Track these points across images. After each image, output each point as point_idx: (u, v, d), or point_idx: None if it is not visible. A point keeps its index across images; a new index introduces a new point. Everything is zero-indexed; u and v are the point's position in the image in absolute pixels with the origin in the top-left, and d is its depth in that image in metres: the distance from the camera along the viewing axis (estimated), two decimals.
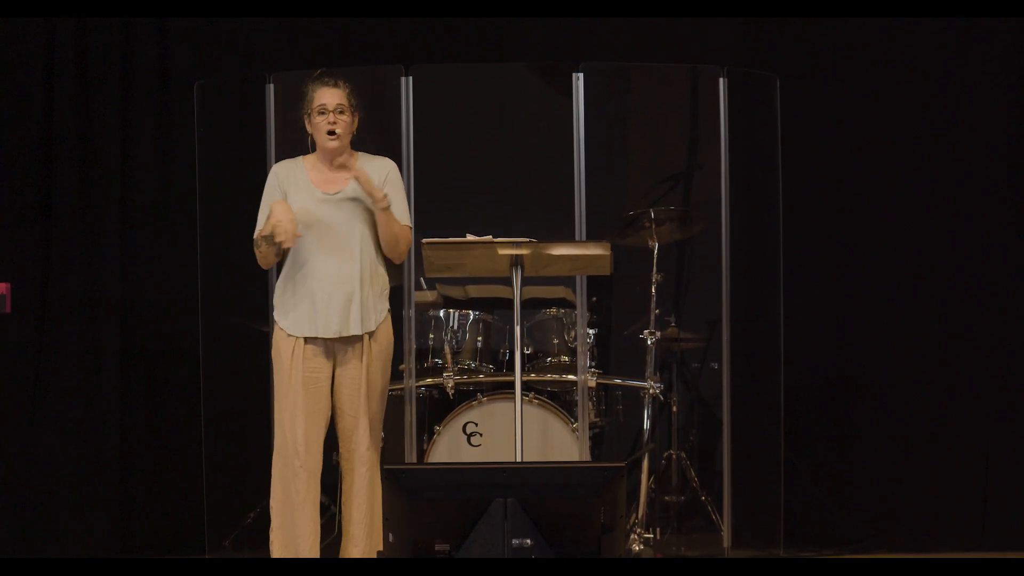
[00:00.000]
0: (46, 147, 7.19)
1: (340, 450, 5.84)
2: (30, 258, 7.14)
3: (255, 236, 5.76)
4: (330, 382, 5.77)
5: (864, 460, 7.27)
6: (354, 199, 5.76)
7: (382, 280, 5.84)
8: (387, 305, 5.85)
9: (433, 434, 6.70)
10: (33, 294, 7.10)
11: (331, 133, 5.74)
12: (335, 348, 5.75)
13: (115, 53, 7.23)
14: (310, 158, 5.86)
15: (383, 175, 5.83)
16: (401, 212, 5.83)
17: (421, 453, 6.69)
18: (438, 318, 6.92)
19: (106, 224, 7.21)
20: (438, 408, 6.92)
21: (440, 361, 6.89)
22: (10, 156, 7.17)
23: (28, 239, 7.16)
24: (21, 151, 7.17)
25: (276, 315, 5.81)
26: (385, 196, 5.72)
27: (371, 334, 5.77)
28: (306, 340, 5.73)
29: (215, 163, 6.89)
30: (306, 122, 5.82)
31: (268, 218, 5.68)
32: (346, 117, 5.76)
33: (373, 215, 5.76)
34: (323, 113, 5.74)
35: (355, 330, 5.73)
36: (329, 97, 5.75)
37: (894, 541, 7.10)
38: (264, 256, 5.77)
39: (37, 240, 7.17)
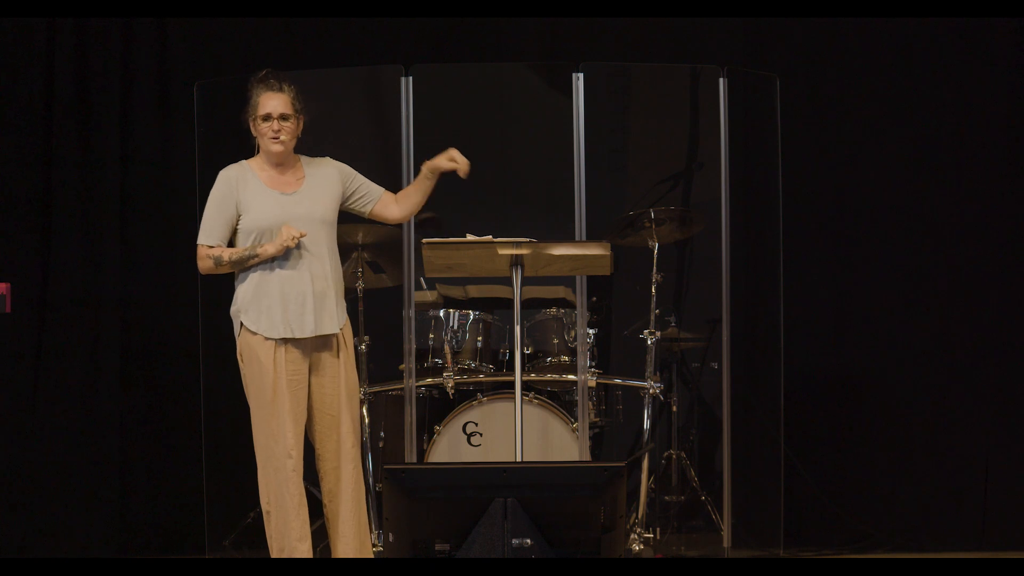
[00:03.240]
0: (46, 147, 7.19)
1: (318, 451, 5.78)
2: (30, 258, 7.15)
3: (234, 255, 5.70)
4: (308, 383, 5.76)
5: (864, 460, 7.27)
6: (311, 198, 5.75)
7: (342, 279, 5.84)
8: (345, 303, 5.86)
9: (433, 434, 6.70)
10: (33, 294, 7.10)
11: (275, 139, 5.74)
12: (311, 346, 5.75)
13: (115, 53, 7.24)
14: (255, 161, 5.83)
15: (335, 172, 5.83)
16: (373, 186, 5.87)
17: (421, 453, 6.69)
18: (438, 318, 6.92)
19: (106, 224, 7.21)
20: (438, 408, 6.92)
21: (440, 361, 6.89)
22: (10, 156, 7.17)
23: (28, 239, 7.16)
24: (21, 151, 7.18)
25: (245, 319, 5.75)
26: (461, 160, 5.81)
27: (342, 331, 5.78)
28: (284, 342, 5.72)
29: (215, 163, 6.88)
30: (251, 125, 5.81)
31: (263, 243, 5.69)
32: (290, 124, 5.75)
33: (332, 213, 5.77)
34: (268, 120, 5.74)
35: (330, 328, 5.73)
36: (274, 105, 5.73)
37: (894, 541, 7.11)
38: (221, 270, 5.78)
39: (37, 240, 7.17)
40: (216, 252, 5.73)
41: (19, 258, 7.10)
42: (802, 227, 7.21)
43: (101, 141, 7.22)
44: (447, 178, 7.05)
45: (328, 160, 5.88)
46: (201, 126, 6.87)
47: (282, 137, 5.73)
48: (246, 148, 7.01)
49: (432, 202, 6.43)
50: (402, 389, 6.63)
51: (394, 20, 7.20)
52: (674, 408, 7.09)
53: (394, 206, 5.90)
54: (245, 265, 5.71)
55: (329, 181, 5.81)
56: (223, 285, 6.84)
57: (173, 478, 7.17)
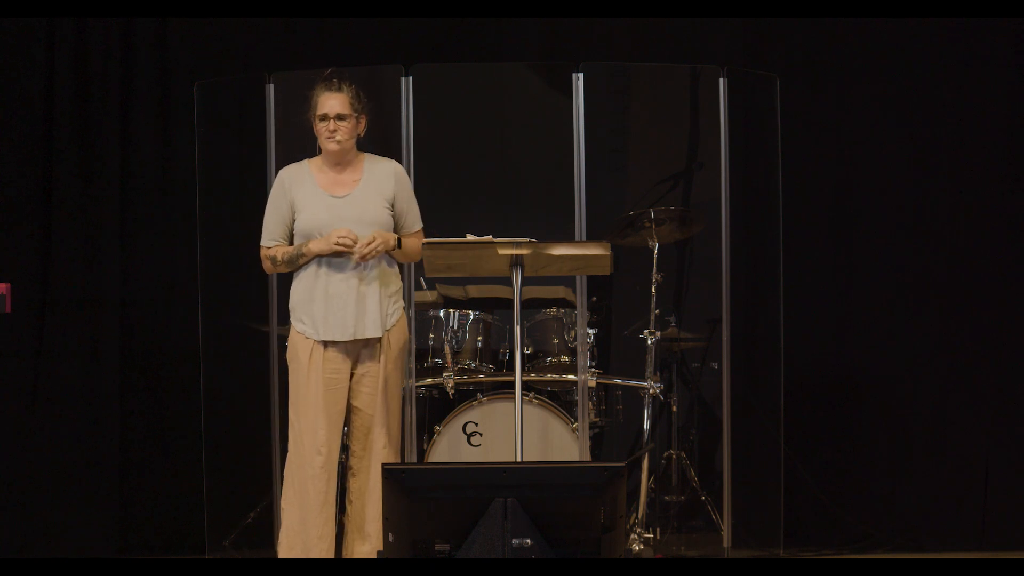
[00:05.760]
0: (46, 147, 7.19)
1: (353, 448, 5.85)
2: (30, 258, 7.14)
3: (286, 255, 5.75)
4: (348, 383, 5.79)
5: (864, 460, 7.27)
6: (362, 201, 5.78)
7: (395, 280, 5.87)
8: (402, 304, 5.89)
9: (433, 434, 6.70)
10: (33, 294, 7.10)
11: (331, 138, 5.77)
12: (353, 349, 5.77)
13: (115, 53, 7.24)
14: (316, 161, 5.89)
15: (393, 182, 5.86)
16: (413, 219, 5.90)
17: (421, 453, 6.70)
18: (438, 318, 6.92)
19: (106, 224, 7.21)
20: (438, 408, 6.92)
21: (440, 361, 6.90)
22: (10, 156, 7.17)
23: (28, 239, 7.16)
24: (21, 151, 7.18)
25: (293, 318, 5.83)
26: (394, 238, 5.80)
27: (388, 333, 5.80)
28: (325, 343, 5.75)
29: (215, 163, 6.89)
30: (313, 125, 5.85)
31: (320, 241, 5.72)
32: (347, 123, 5.79)
33: (382, 217, 5.79)
34: (325, 120, 5.77)
35: (371, 332, 5.76)
36: (331, 105, 5.78)
37: (894, 541, 7.11)
38: (279, 269, 5.82)
39: (37, 240, 7.17)
40: (271, 252, 5.83)
41: (19, 258, 7.10)
42: (802, 227, 7.21)
43: (101, 141, 7.22)
44: (447, 178, 7.07)
45: (390, 166, 5.91)
46: (201, 126, 6.87)
47: (338, 137, 5.78)
48: (246, 148, 7.04)
49: (432, 201, 6.45)
50: (402, 389, 6.62)
51: (394, 20, 7.20)
52: (674, 408, 7.08)
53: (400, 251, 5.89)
54: (297, 264, 5.78)
55: (384, 185, 5.84)
56: (223, 286, 6.85)
57: (173, 478, 7.17)
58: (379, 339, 5.79)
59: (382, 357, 5.80)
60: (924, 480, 7.22)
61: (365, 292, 5.76)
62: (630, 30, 7.35)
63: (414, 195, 5.95)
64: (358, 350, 5.79)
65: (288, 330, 5.88)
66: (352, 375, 5.81)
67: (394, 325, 5.84)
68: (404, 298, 6.50)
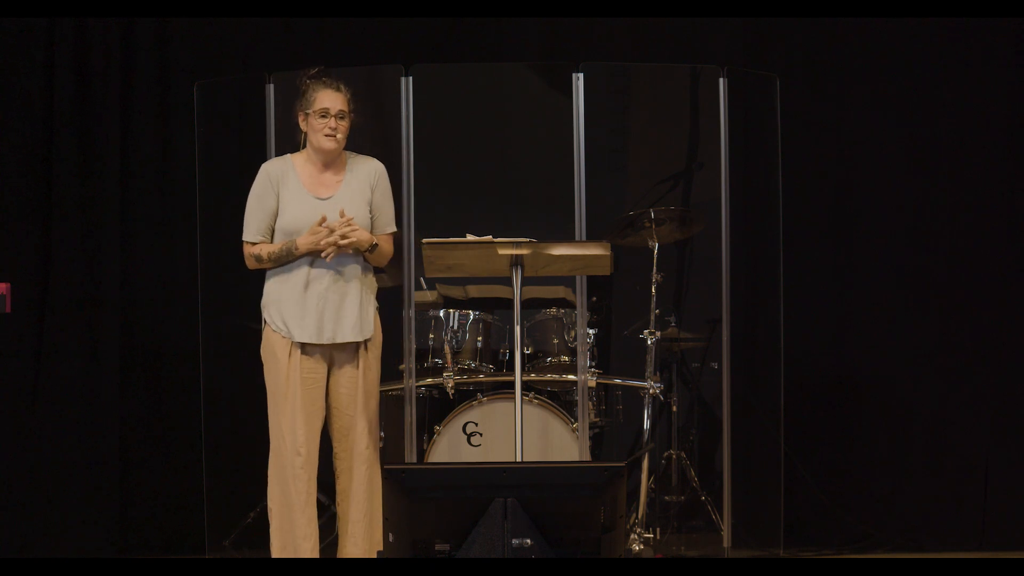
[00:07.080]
0: (46, 147, 7.19)
1: (335, 450, 5.84)
2: (30, 258, 7.14)
3: (273, 254, 5.74)
4: (325, 382, 5.78)
5: (864, 460, 7.27)
6: (346, 204, 5.76)
7: (372, 282, 5.86)
8: (375, 303, 5.87)
9: (433, 434, 6.70)
10: (33, 294, 7.10)
11: (331, 136, 5.76)
12: (328, 350, 5.77)
13: (115, 53, 7.24)
14: (299, 157, 5.86)
15: (373, 179, 5.85)
16: (387, 220, 5.87)
17: (421, 453, 6.70)
18: (438, 318, 6.92)
19: (106, 224, 7.21)
20: (438, 408, 6.92)
21: (440, 361, 6.89)
22: (10, 156, 7.17)
23: (28, 239, 7.16)
24: (21, 151, 7.17)
25: (267, 316, 5.81)
26: (371, 239, 5.77)
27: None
28: (300, 343, 5.74)
29: (215, 163, 6.89)
30: (301, 120, 5.83)
31: (303, 240, 5.71)
32: (346, 122, 5.79)
33: (363, 220, 5.78)
34: (325, 116, 5.76)
35: (348, 337, 5.74)
36: (332, 101, 5.77)
37: (894, 541, 7.11)
38: (263, 266, 5.80)
39: (37, 240, 7.17)
40: (256, 250, 5.80)
41: (19, 258, 7.10)
42: (802, 227, 7.21)
43: (101, 141, 7.22)
44: (447, 178, 7.07)
45: (373, 165, 5.90)
46: (201, 126, 6.87)
47: (338, 135, 5.77)
48: (246, 148, 7.03)
49: (432, 201, 6.45)
50: (402, 389, 6.63)
51: (394, 20, 7.20)
52: (674, 408, 7.08)
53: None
54: (285, 261, 5.74)
55: (364, 185, 5.83)
56: (223, 286, 6.85)
57: (173, 478, 7.17)
58: (356, 341, 5.79)
59: (360, 357, 5.79)
60: (924, 480, 7.22)
61: (343, 295, 5.74)
62: (630, 30, 7.35)
63: (391, 197, 5.93)
64: (335, 349, 5.78)
65: None
66: (329, 376, 5.80)
67: (371, 329, 5.83)
68: (404, 298, 6.52)
